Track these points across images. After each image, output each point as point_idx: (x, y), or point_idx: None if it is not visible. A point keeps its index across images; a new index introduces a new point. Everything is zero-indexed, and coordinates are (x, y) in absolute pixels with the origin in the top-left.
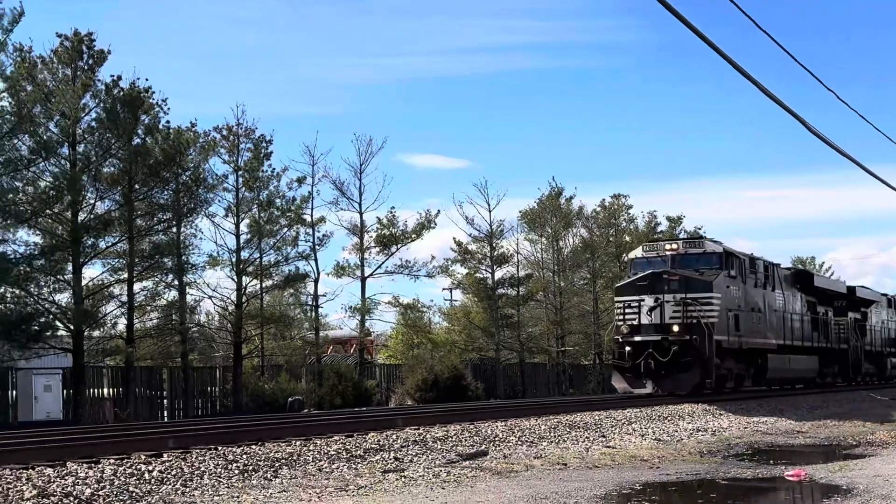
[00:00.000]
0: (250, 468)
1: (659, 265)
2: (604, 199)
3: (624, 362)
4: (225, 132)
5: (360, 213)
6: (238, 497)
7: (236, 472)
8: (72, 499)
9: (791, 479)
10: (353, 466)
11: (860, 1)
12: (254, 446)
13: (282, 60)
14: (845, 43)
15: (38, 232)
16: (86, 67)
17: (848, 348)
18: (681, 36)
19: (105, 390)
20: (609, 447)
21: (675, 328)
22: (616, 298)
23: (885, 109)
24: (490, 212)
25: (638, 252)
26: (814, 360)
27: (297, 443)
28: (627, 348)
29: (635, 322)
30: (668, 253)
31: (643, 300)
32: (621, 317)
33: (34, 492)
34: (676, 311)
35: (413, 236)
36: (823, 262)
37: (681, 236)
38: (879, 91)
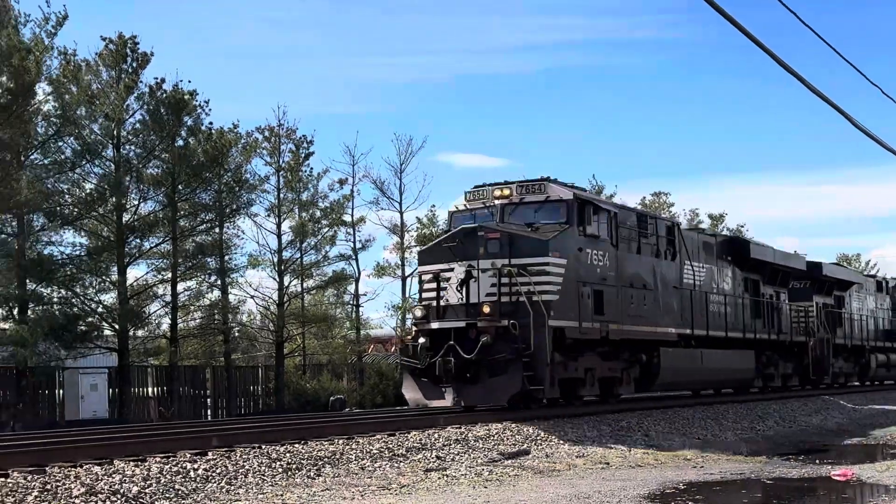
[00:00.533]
0: (294, 466)
1: (486, 219)
2: (644, 197)
3: (416, 361)
4: (267, 133)
5: (401, 213)
6: (282, 495)
7: (280, 470)
8: (119, 496)
9: (838, 478)
10: (396, 465)
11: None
12: (297, 445)
13: (321, 60)
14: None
15: (83, 233)
16: (130, 70)
17: (808, 341)
18: (719, 31)
19: (150, 389)
20: (652, 446)
21: (486, 309)
22: (419, 268)
23: None
24: None
25: (460, 203)
26: (748, 357)
27: (340, 441)
28: (422, 340)
29: (438, 301)
30: (496, 202)
31: (452, 269)
32: (420, 294)
33: (82, 489)
34: (494, 285)
35: None
36: (870, 259)
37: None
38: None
